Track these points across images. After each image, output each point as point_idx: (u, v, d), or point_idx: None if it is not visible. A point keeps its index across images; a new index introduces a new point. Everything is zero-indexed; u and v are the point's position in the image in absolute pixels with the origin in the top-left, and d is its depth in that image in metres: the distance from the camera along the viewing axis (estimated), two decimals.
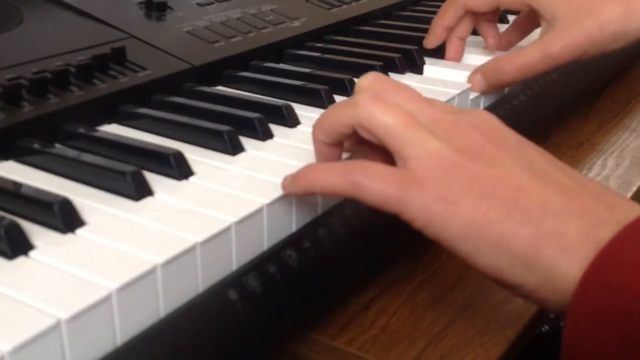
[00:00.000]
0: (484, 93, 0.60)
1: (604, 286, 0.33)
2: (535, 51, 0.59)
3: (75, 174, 0.43)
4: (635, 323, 0.32)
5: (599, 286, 0.33)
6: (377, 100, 0.38)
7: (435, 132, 0.38)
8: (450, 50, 0.66)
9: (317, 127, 0.41)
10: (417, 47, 0.65)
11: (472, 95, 0.60)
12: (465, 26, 0.66)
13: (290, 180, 0.40)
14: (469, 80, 0.60)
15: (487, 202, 0.36)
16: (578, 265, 0.34)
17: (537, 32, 0.66)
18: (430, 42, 0.66)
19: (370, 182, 0.37)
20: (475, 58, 0.66)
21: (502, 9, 0.65)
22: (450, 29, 0.66)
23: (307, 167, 0.40)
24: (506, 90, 0.63)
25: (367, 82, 0.41)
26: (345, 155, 0.44)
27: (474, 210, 0.36)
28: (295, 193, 0.41)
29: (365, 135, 0.39)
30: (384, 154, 0.40)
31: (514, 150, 0.38)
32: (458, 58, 0.66)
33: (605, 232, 0.34)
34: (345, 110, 0.40)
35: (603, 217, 0.35)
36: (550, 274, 0.35)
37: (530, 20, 0.67)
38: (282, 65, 0.62)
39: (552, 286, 0.35)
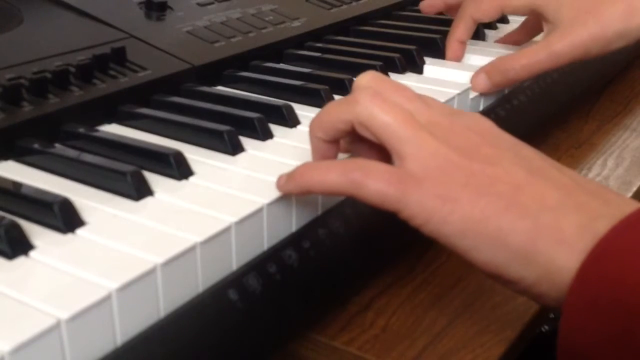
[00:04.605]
0: (487, 93, 0.60)
1: (601, 278, 0.33)
2: (540, 50, 0.60)
3: (75, 174, 0.43)
4: (633, 314, 0.32)
5: (597, 278, 0.33)
6: (377, 99, 0.38)
7: (433, 132, 0.38)
8: (450, 52, 0.66)
9: (315, 123, 0.41)
10: (417, 47, 0.65)
11: (472, 94, 0.59)
12: (468, 31, 0.66)
13: (286, 179, 0.40)
14: (472, 80, 0.60)
15: (485, 198, 0.36)
16: (575, 258, 0.34)
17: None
18: (452, 59, 0.66)
19: (369, 181, 0.37)
20: (476, 58, 0.66)
21: (506, 14, 0.66)
22: (465, 42, 0.66)
23: (304, 165, 0.40)
24: (506, 90, 0.63)
25: (366, 80, 0.41)
26: (342, 155, 0.44)
27: (471, 206, 0.36)
28: (291, 192, 0.40)
29: (363, 132, 0.39)
30: (380, 152, 0.40)
31: (510, 150, 0.38)
32: (458, 59, 0.67)
33: (602, 226, 0.34)
34: (345, 107, 0.39)
35: (600, 211, 0.35)
36: (547, 268, 0.35)
37: (537, 23, 0.67)
38: (282, 65, 0.62)
39: (550, 280, 0.35)
